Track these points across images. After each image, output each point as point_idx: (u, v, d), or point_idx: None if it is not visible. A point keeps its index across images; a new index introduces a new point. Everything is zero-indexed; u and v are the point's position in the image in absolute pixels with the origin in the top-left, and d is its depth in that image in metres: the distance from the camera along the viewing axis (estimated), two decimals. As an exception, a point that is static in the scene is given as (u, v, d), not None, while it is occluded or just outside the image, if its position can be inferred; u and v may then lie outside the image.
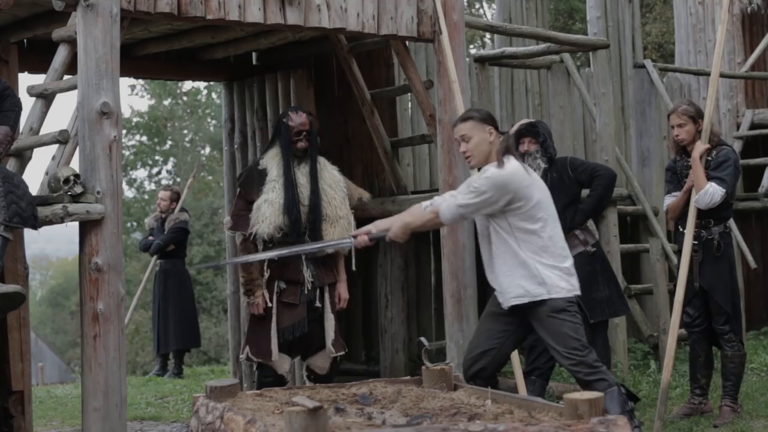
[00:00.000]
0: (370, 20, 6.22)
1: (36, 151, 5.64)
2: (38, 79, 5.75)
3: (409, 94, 7.71)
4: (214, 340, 23.08)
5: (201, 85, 27.42)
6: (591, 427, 2.75)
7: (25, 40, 7.02)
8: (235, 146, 8.27)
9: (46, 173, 5.38)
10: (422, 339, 4.04)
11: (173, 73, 8.59)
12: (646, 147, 9.11)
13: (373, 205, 7.08)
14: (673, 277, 7.87)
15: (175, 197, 10.07)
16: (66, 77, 5.59)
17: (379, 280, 8.04)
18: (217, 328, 23.24)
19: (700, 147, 6.01)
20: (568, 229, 6.23)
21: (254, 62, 8.43)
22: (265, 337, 5.97)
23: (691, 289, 6.06)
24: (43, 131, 5.56)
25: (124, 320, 5.26)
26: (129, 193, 27.52)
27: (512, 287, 4.74)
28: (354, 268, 5.80)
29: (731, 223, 6.56)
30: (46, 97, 5.53)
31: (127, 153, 27.05)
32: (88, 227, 5.11)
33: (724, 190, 5.96)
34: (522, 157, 6.14)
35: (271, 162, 6.09)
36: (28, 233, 5.43)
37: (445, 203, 4.78)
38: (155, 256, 10.05)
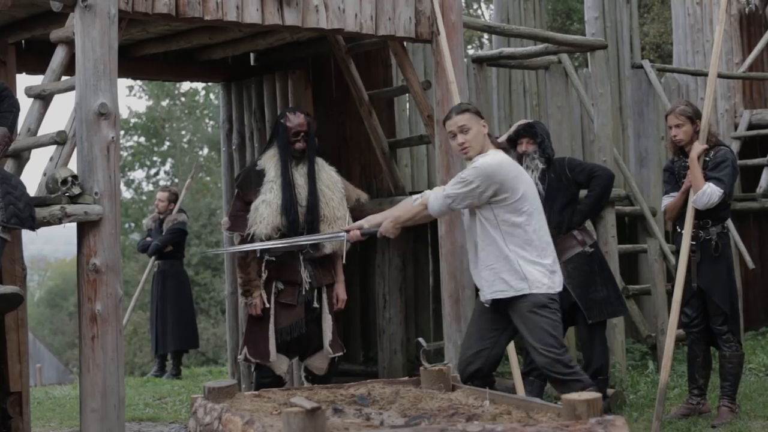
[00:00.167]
0: (368, 21, 6.22)
1: (34, 152, 5.64)
2: (36, 80, 5.74)
3: (407, 94, 7.70)
4: (212, 341, 23.07)
5: (199, 85, 27.45)
6: (589, 428, 2.76)
7: (23, 41, 7.02)
8: (233, 147, 8.26)
9: (44, 174, 5.38)
10: (420, 340, 4.04)
11: (171, 73, 8.58)
12: (644, 147, 9.12)
13: (371, 205, 7.07)
14: (671, 278, 7.87)
15: (173, 198, 10.07)
16: (64, 78, 5.59)
17: (377, 280, 8.04)
18: (215, 329, 23.23)
19: (697, 147, 6.01)
20: (566, 230, 6.24)
21: (252, 63, 8.43)
22: (263, 338, 5.97)
23: (689, 289, 6.06)
24: (41, 132, 5.55)
25: (122, 321, 5.25)
26: (127, 194, 27.54)
27: (495, 281, 4.78)
28: (344, 261, 5.81)
29: (729, 223, 6.56)
30: (44, 98, 5.53)
31: (125, 154, 27.05)
32: (86, 228, 5.11)
33: (721, 191, 5.96)
34: (520, 157, 6.16)
35: (269, 163, 6.09)
36: (26, 234, 5.43)
37: (434, 195, 4.85)
38: (153, 257, 10.05)
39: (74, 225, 5.15)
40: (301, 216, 6.00)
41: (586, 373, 6.23)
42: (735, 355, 6.13)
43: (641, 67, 9.30)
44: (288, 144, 6.07)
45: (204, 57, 8.12)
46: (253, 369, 6.27)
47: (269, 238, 5.91)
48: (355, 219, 6.26)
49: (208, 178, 26.54)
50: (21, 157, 5.56)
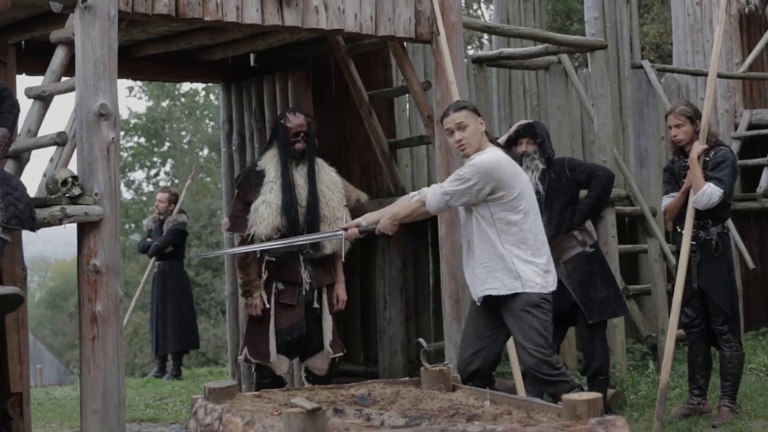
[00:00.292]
0: (367, 21, 6.22)
1: (34, 152, 5.64)
2: (36, 81, 5.74)
3: (407, 95, 7.71)
4: (213, 342, 23.07)
5: (199, 86, 27.46)
6: (589, 428, 2.76)
7: (22, 42, 7.02)
8: (233, 147, 8.26)
9: (44, 175, 5.38)
10: (421, 340, 4.04)
11: (171, 74, 8.59)
12: (644, 147, 9.12)
13: (371, 206, 7.05)
14: (671, 278, 7.87)
15: (174, 199, 10.07)
16: (64, 79, 5.59)
17: (378, 281, 8.04)
18: (216, 330, 23.23)
19: (698, 147, 6.01)
20: (566, 230, 6.24)
21: (252, 63, 8.43)
22: (263, 339, 5.97)
23: (689, 289, 6.06)
24: (41, 133, 5.55)
25: (122, 322, 5.26)
26: (127, 194, 27.54)
27: (488, 278, 4.79)
28: (343, 260, 5.82)
29: (729, 223, 6.56)
30: (44, 99, 5.53)
31: (125, 155, 27.04)
32: (86, 229, 5.11)
33: (722, 191, 5.96)
34: (520, 157, 6.16)
35: (269, 163, 6.09)
36: (26, 235, 5.43)
37: (431, 191, 4.85)
38: (153, 258, 10.05)
39: (74, 226, 5.15)
40: (301, 216, 6.00)
41: (586, 373, 6.27)
42: (735, 355, 6.13)
43: (641, 67, 9.30)
44: (288, 144, 6.07)
45: (204, 58, 8.12)
46: (253, 369, 6.27)
47: (269, 239, 5.91)
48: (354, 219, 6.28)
49: (209, 179, 26.55)
50: (21, 158, 5.56)
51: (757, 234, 10.41)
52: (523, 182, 4.83)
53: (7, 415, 5.62)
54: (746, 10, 11.07)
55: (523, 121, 6.56)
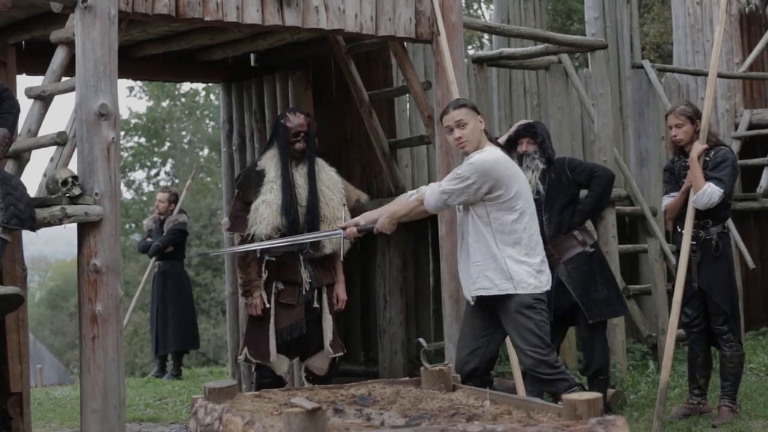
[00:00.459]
0: (368, 21, 6.22)
1: (34, 152, 5.64)
2: (36, 81, 5.74)
3: (408, 95, 7.71)
4: (213, 342, 23.07)
5: (199, 86, 27.43)
6: (589, 428, 2.76)
7: (23, 42, 7.02)
8: (234, 147, 8.27)
9: (45, 175, 5.38)
10: (421, 340, 4.04)
11: (171, 74, 8.59)
12: (644, 147, 9.12)
13: (371, 206, 7.03)
14: (671, 278, 7.87)
15: (174, 199, 10.07)
16: (64, 79, 5.59)
17: (378, 281, 8.04)
18: (216, 330, 23.23)
19: (698, 147, 6.01)
20: (566, 230, 6.24)
21: (252, 63, 8.43)
22: (263, 338, 5.97)
23: (689, 289, 6.06)
24: (41, 133, 5.55)
25: (122, 322, 5.26)
26: (127, 194, 27.52)
27: (479, 278, 4.79)
28: (342, 259, 5.83)
29: (729, 223, 6.56)
30: (44, 99, 5.53)
31: (125, 154, 27.03)
32: (86, 229, 5.11)
33: (722, 191, 5.96)
34: (520, 157, 6.16)
35: (269, 163, 6.09)
36: (26, 235, 5.43)
37: (430, 190, 4.85)
38: (154, 258, 10.05)
39: (74, 226, 5.15)
40: (301, 216, 6.00)
41: (586, 373, 6.27)
42: (735, 354, 6.13)
43: (641, 67, 9.30)
44: (288, 144, 6.07)
45: (204, 58, 8.12)
46: (253, 369, 6.27)
47: (269, 239, 5.91)
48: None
49: (209, 179, 26.54)
50: (21, 158, 5.56)
51: (758, 234, 10.41)
52: (520, 182, 4.83)
53: (7, 414, 5.62)
54: (746, 9, 11.06)
55: (523, 121, 6.56)
